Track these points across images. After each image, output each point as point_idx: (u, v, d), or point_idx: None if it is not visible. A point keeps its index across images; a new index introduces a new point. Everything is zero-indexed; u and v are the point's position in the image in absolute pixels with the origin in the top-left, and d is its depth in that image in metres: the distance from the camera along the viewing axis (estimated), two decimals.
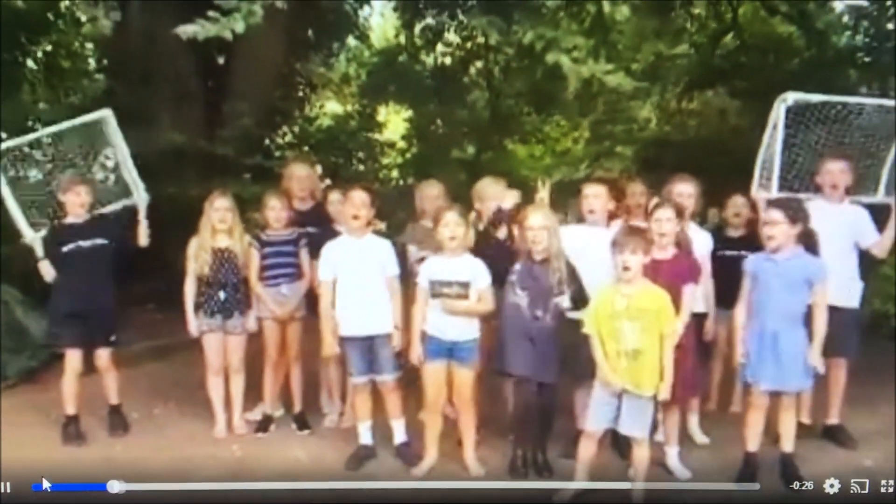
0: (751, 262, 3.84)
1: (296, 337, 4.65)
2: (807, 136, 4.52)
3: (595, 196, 4.17)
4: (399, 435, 4.18)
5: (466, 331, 3.94)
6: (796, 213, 3.75)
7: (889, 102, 4.61)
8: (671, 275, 3.77)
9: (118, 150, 4.80)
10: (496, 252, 4.13)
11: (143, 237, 4.72)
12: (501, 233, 4.31)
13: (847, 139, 4.56)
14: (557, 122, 12.29)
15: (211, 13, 4.03)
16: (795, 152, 4.47)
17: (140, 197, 4.83)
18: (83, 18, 5.82)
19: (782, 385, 3.74)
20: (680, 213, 3.95)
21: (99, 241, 4.51)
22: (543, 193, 4.15)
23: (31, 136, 4.76)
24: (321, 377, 4.86)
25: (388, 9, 11.37)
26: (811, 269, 3.74)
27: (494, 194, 4.41)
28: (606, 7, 3.77)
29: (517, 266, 3.96)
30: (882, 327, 6.23)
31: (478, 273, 3.94)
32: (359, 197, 4.07)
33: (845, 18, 11.59)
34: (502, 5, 4.10)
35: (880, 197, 4.50)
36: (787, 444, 3.85)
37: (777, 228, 3.69)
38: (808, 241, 3.80)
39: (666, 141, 10.90)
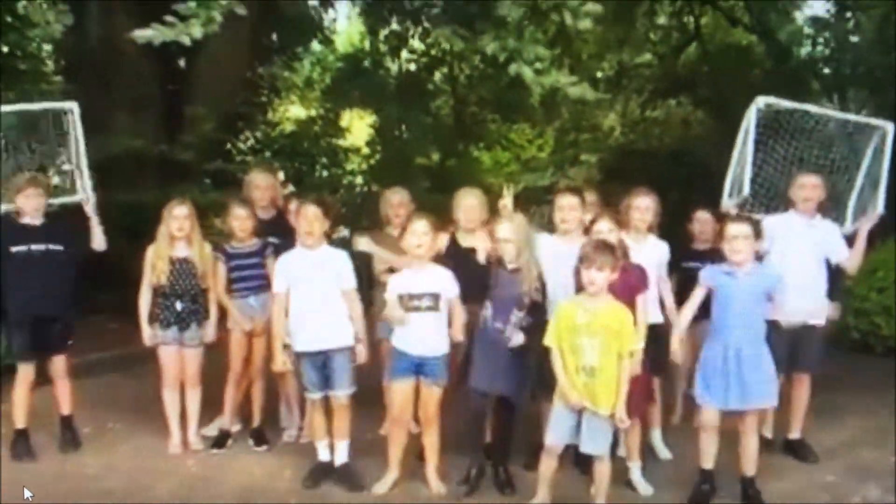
0: (708, 273, 3.83)
1: (261, 350, 4.54)
2: (776, 146, 4.56)
3: (570, 207, 4.16)
4: (341, 456, 4.03)
5: (436, 347, 3.88)
6: (758, 228, 3.79)
7: (853, 118, 4.69)
8: (623, 286, 3.72)
9: (77, 145, 4.63)
10: (472, 263, 4.08)
11: (98, 240, 4.56)
12: (472, 241, 4.27)
13: (815, 150, 4.62)
14: (522, 129, 12.33)
15: (168, 18, 3.92)
16: (765, 160, 4.50)
17: (87, 196, 4.62)
18: (33, 20, 5.66)
19: (746, 404, 3.70)
20: (620, 225, 3.95)
21: (52, 246, 4.36)
22: (507, 200, 4.11)
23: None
24: (280, 391, 4.77)
25: (354, 13, 11.30)
26: (770, 281, 3.77)
27: (473, 205, 4.36)
28: (568, 19, 3.74)
29: (490, 276, 3.91)
30: (843, 340, 6.32)
31: (446, 284, 3.90)
32: (311, 211, 3.98)
33: (807, 30, 11.83)
34: (465, 15, 4.07)
35: (848, 227, 4.53)
36: (750, 467, 3.77)
37: (744, 243, 3.70)
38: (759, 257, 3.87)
39: (630, 149, 10.99)
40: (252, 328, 4.51)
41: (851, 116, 4.74)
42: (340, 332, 3.94)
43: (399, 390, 3.90)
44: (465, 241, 4.35)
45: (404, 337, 3.88)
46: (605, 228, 3.85)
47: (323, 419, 4.04)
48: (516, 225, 3.89)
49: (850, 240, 4.38)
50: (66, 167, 4.78)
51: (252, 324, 4.49)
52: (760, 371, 3.67)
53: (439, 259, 4.14)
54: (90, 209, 4.59)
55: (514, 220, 3.93)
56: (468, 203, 4.38)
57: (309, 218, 3.96)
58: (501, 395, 3.90)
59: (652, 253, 4.17)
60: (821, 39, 11.55)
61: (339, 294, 3.97)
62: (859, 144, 4.65)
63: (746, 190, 4.36)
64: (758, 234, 3.77)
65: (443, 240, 4.33)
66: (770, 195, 4.52)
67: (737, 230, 3.72)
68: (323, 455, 4.06)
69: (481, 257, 4.06)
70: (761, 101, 4.44)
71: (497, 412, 3.99)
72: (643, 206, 4.21)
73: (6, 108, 4.68)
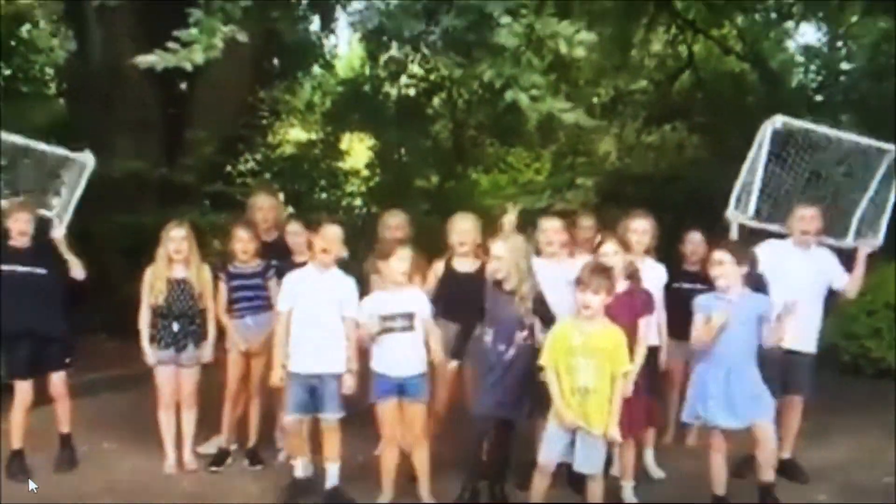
0: (703, 300, 3.90)
1: (258, 370, 4.56)
2: (789, 160, 4.62)
3: (554, 230, 4.22)
4: (332, 479, 4.01)
5: (414, 366, 3.92)
6: (743, 256, 3.85)
7: (865, 141, 4.72)
8: (627, 308, 3.81)
9: (72, 195, 4.70)
10: (467, 287, 4.13)
11: (77, 270, 4.57)
12: (468, 266, 4.33)
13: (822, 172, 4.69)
14: (519, 152, 12.44)
15: (170, 44, 4.00)
16: (774, 172, 4.56)
17: (58, 231, 4.66)
18: (39, 47, 5.78)
19: (741, 421, 3.75)
20: (626, 247, 4.01)
21: (37, 270, 4.40)
22: (511, 216, 4.17)
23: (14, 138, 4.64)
24: (277, 412, 4.79)
25: (355, 39, 11.46)
26: (761, 306, 3.82)
27: (467, 229, 4.41)
28: (563, 48, 3.82)
29: (487, 299, 3.95)
30: (834, 362, 6.34)
31: (419, 303, 3.95)
32: (332, 232, 4.03)
33: (798, 58, 12.00)
34: (462, 43, 4.16)
35: (849, 241, 4.61)
36: (768, 473, 3.82)
37: (724, 268, 3.77)
38: (757, 284, 3.92)
39: (626, 174, 11.09)
40: (248, 348, 4.53)
41: (863, 140, 4.74)
42: (334, 357, 3.95)
43: (384, 410, 3.93)
44: (459, 265, 4.39)
45: (382, 359, 3.91)
46: (611, 251, 3.93)
47: (302, 439, 4.05)
48: (511, 244, 3.94)
49: (846, 261, 4.44)
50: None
51: (247, 344, 4.52)
52: (753, 390, 3.73)
53: (437, 285, 4.23)
54: (60, 245, 4.61)
55: (510, 239, 3.99)
56: (462, 227, 4.42)
57: (328, 238, 4.01)
58: (503, 417, 3.92)
59: (650, 275, 4.22)
60: (813, 67, 11.72)
61: (339, 320, 3.98)
62: (872, 161, 4.73)
63: (752, 207, 4.42)
64: (741, 260, 3.82)
65: (438, 266, 4.40)
66: (782, 206, 4.56)
67: (720, 257, 3.81)
68: (300, 472, 4.06)
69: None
70: (778, 120, 4.49)
71: (496, 432, 4.00)
72: (641, 228, 4.29)
73: (31, 143, 4.70)
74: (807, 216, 4.34)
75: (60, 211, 4.71)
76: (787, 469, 4.34)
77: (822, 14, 10.22)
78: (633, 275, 3.97)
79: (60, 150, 4.74)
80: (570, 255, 4.29)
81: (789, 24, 11.14)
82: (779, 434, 4.27)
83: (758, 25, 11.05)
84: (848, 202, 4.74)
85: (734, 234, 4.52)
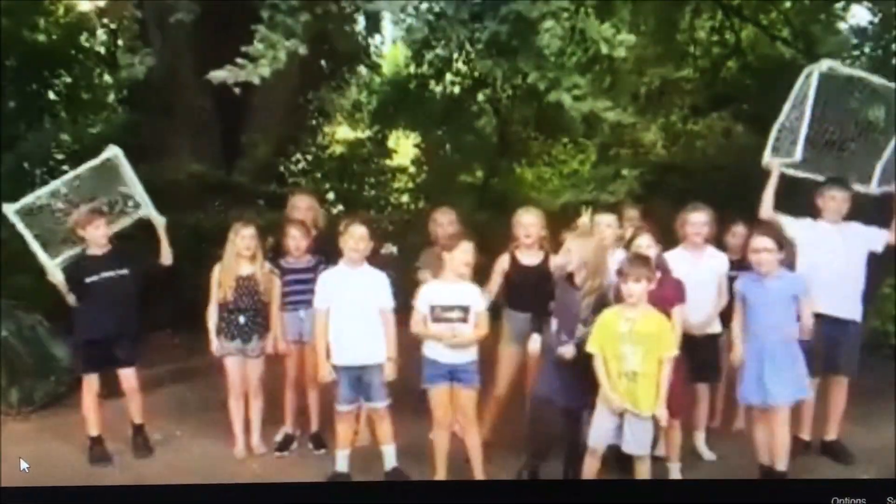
0: (740, 283, 4.03)
1: (314, 360, 4.72)
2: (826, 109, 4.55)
3: (607, 225, 4.43)
4: (389, 461, 4.24)
5: (464, 354, 4.08)
6: (783, 240, 3.98)
7: None
8: (659, 299, 3.93)
9: (131, 186, 4.92)
10: (533, 280, 4.30)
11: (166, 256, 4.88)
12: (533, 258, 4.49)
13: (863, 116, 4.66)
14: (564, 144, 12.47)
15: (239, 60, 4.23)
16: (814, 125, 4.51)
17: (153, 215, 4.92)
18: (120, 63, 6.04)
19: (782, 399, 3.88)
20: (658, 239, 4.14)
21: (121, 271, 4.69)
22: (585, 218, 4.35)
23: (45, 190, 4.79)
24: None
25: (400, 38, 11.63)
26: (795, 285, 3.97)
27: (532, 222, 4.54)
28: (604, 49, 3.94)
29: (556, 290, 4.11)
30: (882, 346, 6.32)
31: (475, 298, 4.11)
32: (358, 231, 4.21)
33: (852, 40, 11.75)
34: (506, 47, 4.30)
35: (873, 188, 4.63)
36: (781, 462, 3.93)
37: (770, 255, 3.90)
38: (789, 262, 4.06)
39: (670, 164, 11.04)
40: (302, 340, 4.72)
41: None
42: (376, 348, 4.17)
43: (436, 395, 4.11)
44: (524, 258, 4.54)
45: (435, 345, 4.09)
46: (645, 244, 4.06)
47: (347, 431, 4.27)
48: (585, 242, 4.06)
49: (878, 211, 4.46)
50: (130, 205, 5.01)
51: (301, 336, 4.73)
52: (793, 368, 3.87)
53: (503, 278, 4.42)
54: (160, 228, 4.91)
55: (585, 237, 4.12)
56: (527, 220, 4.54)
57: (356, 237, 4.20)
58: (567, 406, 4.05)
59: (711, 263, 4.39)
60: (866, 50, 11.48)
61: (376, 312, 4.19)
62: None
63: (799, 151, 4.39)
64: (781, 245, 3.93)
65: (503, 258, 4.56)
66: (817, 157, 4.56)
67: (763, 244, 3.92)
68: (341, 466, 4.27)
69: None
70: (825, 64, 4.48)
71: (564, 420, 4.13)
72: (700, 221, 4.42)
73: (52, 185, 4.86)
74: (838, 197, 4.39)
75: (139, 200, 4.94)
76: (832, 450, 4.42)
77: None
78: (662, 267, 4.10)
79: (89, 163, 4.85)
80: (623, 245, 4.42)
81: (839, 5, 10.93)
82: (824, 415, 4.39)
83: (807, 9, 10.87)
84: (875, 148, 4.70)
85: (773, 185, 4.49)
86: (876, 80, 4.67)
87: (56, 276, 4.65)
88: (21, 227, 4.61)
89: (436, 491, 3.87)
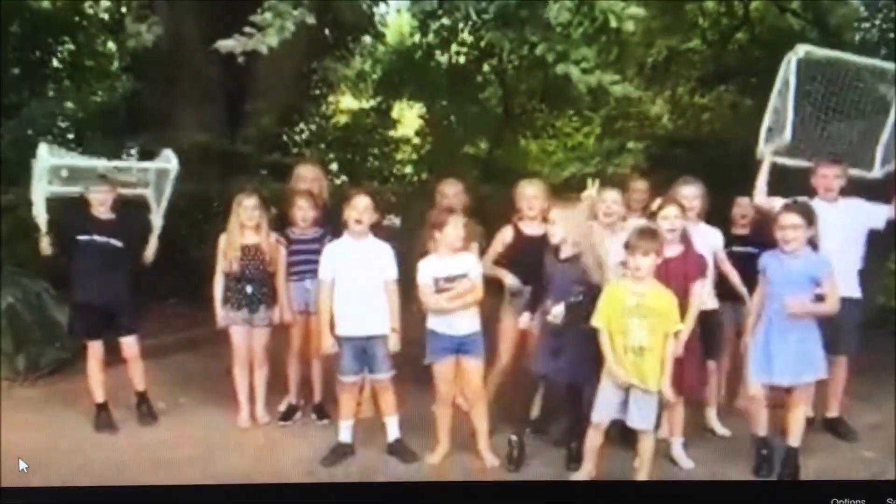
0: (763, 259, 4.01)
1: (319, 330, 4.75)
2: (811, 93, 4.55)
3: (613, 201, 4.38)
4: (393, 432, 4.28)
5: (471, 325, 4.11)
6: (811, 215, 3.91)
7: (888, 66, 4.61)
8: (680, 272, 3.93)
9: (161, 196, 4.95)
10: (537, 251, 4.26)
11: (151, 254, 4.87)
12: (535, 230, 4.47)
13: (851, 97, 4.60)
14: (569, 116, 12.38)
15: (247, 29, 4.18)
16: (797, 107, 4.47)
17: (155, 220, 4.95)
18: (128, 31, 5.97)
19: (797, 378, 3.88)
20: (684, 211, 4.10)
21: (113, 241, 4.65)
22: (592, 191, 4.34)
23: (87, 162, 4.86)
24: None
25: (404, 6, 11.49)
26: (818, 267, 3.88)
27: (535, 194, 4.52)
28: (613, 22, 3.89)
29: (546, 263, 4.08)
30: (886, 323, 6.33)
31: (472, 265, 4.13)
32: (362, 202, 4.19)
33: (861, 11, 11.59)
34: (514, 18, 4.24)
35: (875, 171, 4.59)
36: (795, 439, 3.95)
37: (797, 232, 3.84)
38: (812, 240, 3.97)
39: (676, 137, 10.97)
40: (307, 310, 4.73)
41: (889, 65, 4.61)
42: (381, 319, 4.17)
43: (442, 369, 4.13)
44: (528, 229, 4.54)
45: (440, 318, 4.09)
46: (672, 214, 4.02)
47: (350, 402, 4.28)
48: (570, 214, 4.05)
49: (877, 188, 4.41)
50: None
51: (307, 306, 4.74)
52: (809, 347, 3.85)
53: (506, 249, 4.40)
54: (154, 235, 4.90)
55: (568, 208, 4.10)
56: (530, 192, 4.53)
57: (360, 208, 4.18)
58: (570, 382, 4.06)
59: (706, 240, 4.31)
60: (877, 21, 11.33)
61: (380, 284, 4.19)
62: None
63: (788, 136, 4.38)
64: (810, 221, 3.88)
65: (507, 230, 4.55)
66: (805, 142, 4.54)
67: (792, 220, 3.85)
68: (344, 436, 4.28)
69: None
70: (801, 49, 4.45)
71: (566, 394, 4.16)
72: (692, 194, 4.35)
73: (108, 164, 4.92)
74: (829, 174, 4.36)
75: (155, 206, 4.98)
76: (835, 426, 4.45)
77: None
78: (685, 239, 4.07)
79: (148, 162, 4.99)
80: (622, 220, 4.40)
81: None
82: (825, 393, 4.39)
83: None
84: (874, 131, 4.65)
85: (765, 173, 4.50)
86: (859, 60, 4.64)
87: (41, 212, 4.58)
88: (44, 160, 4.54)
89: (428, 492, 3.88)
